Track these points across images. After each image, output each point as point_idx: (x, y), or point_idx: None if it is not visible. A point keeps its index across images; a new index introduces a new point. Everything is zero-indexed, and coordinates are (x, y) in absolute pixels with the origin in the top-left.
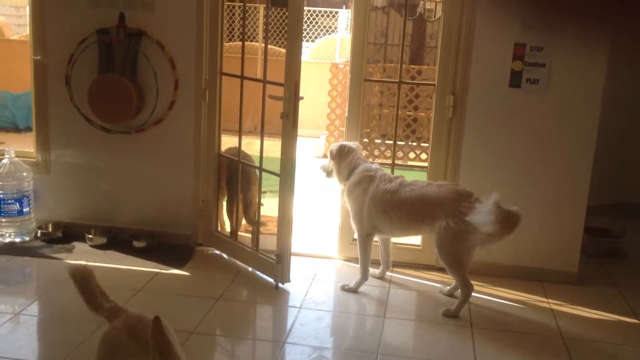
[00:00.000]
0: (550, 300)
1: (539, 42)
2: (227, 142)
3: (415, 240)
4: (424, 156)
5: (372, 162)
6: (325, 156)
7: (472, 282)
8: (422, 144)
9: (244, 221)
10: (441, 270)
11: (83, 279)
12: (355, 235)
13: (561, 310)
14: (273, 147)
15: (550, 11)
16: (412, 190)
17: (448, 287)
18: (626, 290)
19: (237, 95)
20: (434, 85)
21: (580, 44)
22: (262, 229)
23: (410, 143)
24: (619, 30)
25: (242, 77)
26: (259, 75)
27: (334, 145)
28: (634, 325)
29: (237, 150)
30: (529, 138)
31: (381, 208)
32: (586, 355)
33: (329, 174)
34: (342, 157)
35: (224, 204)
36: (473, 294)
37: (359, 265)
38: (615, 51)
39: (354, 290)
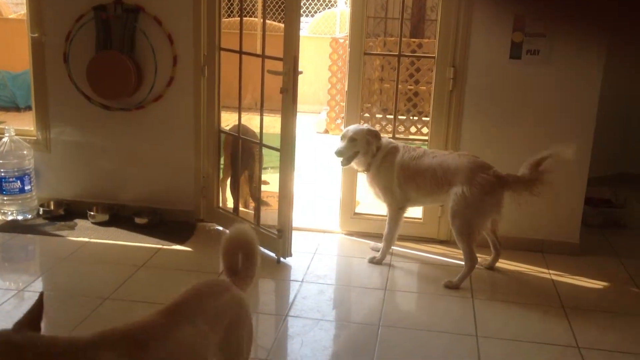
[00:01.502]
0: (551, 271)
1: (539, 13)
2: (228, 118)
3: (417, 213)
4: (425, 130)
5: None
6: (326, 131)
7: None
8: (423, 118)
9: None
10: (442, 243)
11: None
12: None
13: (562, 280)
14: (274, 123)
15: None
16: (435, 157)
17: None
18: (627, 259)
19: (236, 71)
20: (434, 58)
21: (581, 16)
22: (266, 207)
23: (411, 117)
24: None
25: (240, 52)
26: (258, 51)
27: (357, 129)
28: (634, 294)
29: (243, 128)
30: (530, 109)
31: (409, 174)
32: (587, 324)
33: (347, 159)
34: (376, 140)
35: (228, 181)
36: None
37: (384, 236)
38: (617, 22)
39: (380, 262)
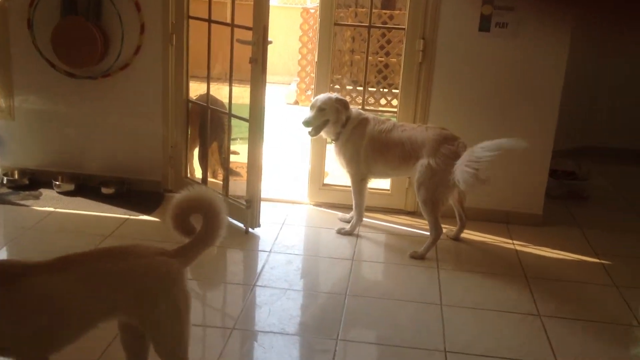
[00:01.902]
0: (515, 242)
1: None
2: (197, 88)
3: (385, 184)
4: (395, 102)
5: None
6: (296, 103)
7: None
8: (393, 90)
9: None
10: (410, 214)
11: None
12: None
13: (525, 250)
14: (243, 94)
15: None
16: (404, 131)
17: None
18: (588, 230)
19: (205, 40)
20: (404, 29)
21: None
22: (237, 177)
23: (381, 89)
24: None
25: (209, 21)
26: (228, 20)
27: (326, 99)
28: (595, 264)
29: (212, 98)
30: (498, 83)
31: (377, 148)
32: (548, 293)
33: (316, 129)
34: (345, 109)
35: (196, 151)
36: None
37: (353, 209)
38: None
39: (349, 233)
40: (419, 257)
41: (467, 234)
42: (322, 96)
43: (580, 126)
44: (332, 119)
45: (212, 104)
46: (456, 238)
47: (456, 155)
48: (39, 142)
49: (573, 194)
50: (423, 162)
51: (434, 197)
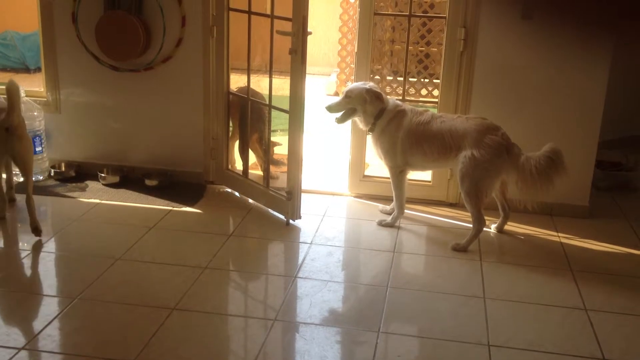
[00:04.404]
0: (560, 234)
1: None
2: (237, 80)
3: (426, 176)
4: (436, 92)
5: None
6: (336, 94)
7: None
8: (434, 80)
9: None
10: (451, 206)
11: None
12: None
13: (570, 243)
14: (283, 85)
15: None
16: (443, 122)
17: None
18: (636, 223)
19: (245, 32)
20: (445, 18)
21: None
22: (282, 168)
23: (422, 80)
24: None
25: (249, 13)
26: (268, 11)
27: (354, 87)
28: None
29: (251, 91)
30: (542, 71)
31: (415, 140)
32: (594, 286)
33: (343, 117)
34: (376, 101)
35: (236, 143)
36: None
37: (393, 201)
38: None
39: (390, 225)
40: (461, 249)
41: (511, 226)
42: (356, 84)
43: (627, 116)
44: (359, 108)
45: (252, 96)
46: (500, 230)
47: (500, 146)
48: (85, 134)
49: (620, 185)
50: (466, 153)
51: (477, 189)
